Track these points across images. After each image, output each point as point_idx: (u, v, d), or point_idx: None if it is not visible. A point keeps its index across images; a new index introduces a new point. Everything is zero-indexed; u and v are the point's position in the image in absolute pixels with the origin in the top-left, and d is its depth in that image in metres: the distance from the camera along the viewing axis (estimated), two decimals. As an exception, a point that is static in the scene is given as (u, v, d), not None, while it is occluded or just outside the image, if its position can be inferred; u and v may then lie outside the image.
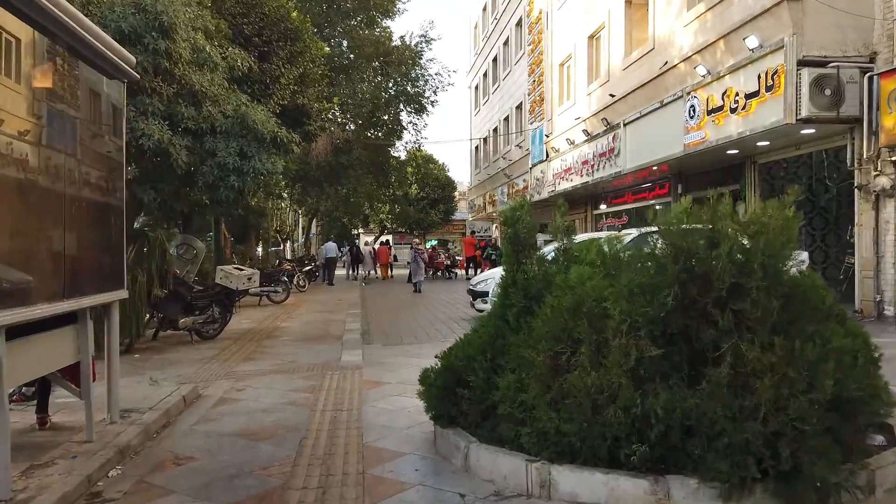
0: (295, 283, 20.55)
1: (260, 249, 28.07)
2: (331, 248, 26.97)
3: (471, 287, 11.76)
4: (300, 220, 40.78)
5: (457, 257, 32.64)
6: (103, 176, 4.51)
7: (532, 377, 3.50)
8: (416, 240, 32.52)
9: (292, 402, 5.72)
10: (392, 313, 13.62)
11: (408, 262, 29.22)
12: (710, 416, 3.02)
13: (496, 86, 30.99)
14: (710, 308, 3.20)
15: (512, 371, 3.71)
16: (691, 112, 12.15)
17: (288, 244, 40.77)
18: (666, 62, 13.45)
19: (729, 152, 12.22)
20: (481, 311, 11.70)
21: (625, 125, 15.15)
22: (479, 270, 26.88)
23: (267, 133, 8.54)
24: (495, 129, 31.36)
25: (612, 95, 16.04)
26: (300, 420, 5.05)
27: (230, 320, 10.68)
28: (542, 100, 22.32)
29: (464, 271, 28.60)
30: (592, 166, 17.21)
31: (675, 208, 3.68)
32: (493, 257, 25.09)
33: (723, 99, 11.17)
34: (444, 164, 51.89)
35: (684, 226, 3.44)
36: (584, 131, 17.69)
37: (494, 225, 38.16)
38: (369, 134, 28.53)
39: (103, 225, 4.55)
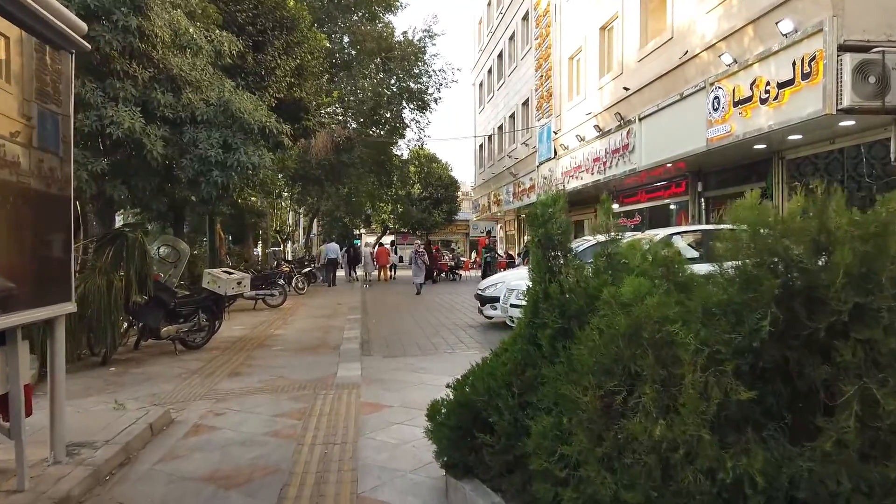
0: (293, 285, 19.77)
1: (259, 250, 27.32)
2: (332, 248, 26.16)
3: (479, 292, 10.93)
4: (301, 220, 40.03)
5: (461, 258, 31.81)
6: (42, 162, 3.70)
7: (576, 423, 2.68)
8: (418, 241, 31.76)
9: (276, 431, 4.90)
10: (394, 319, 12.81)
11: (408, 264, 28.43)
12: (831, 488, 2.20)
13: (501, 82, 30.17)
14: (823, 336, 2.37)
15: (548, 413, 2.88)
16: (715, 104, 11.31)
17: (288, 245, 40.04)
18: (686, 52, 12.62)
19: (756, 147, 11.37)
20: (490, 317, 10.91)
21: (640, 120, 14.31)
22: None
23: (254, 123, 7.67)
24: (500, 127, 30.54)
25: (626, 89, 15.21)
26: (283, 457, 4.23)
27: (219, 328, 9.89)
28: (550, 95, 21.49)
29: (466, 272, 27.77)
30: (605, 163, 16.38)
31: (743, 202, 2.85)
32: (488, 259, 24.20)
33: (751, 89, 10.33)
34: (447, 163, 51.14)
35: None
36: (596, 127, 16.87)
37: (499, 225, 37.36)
38: (371, 132, 27.76)
39: (42, 223, 3.74)
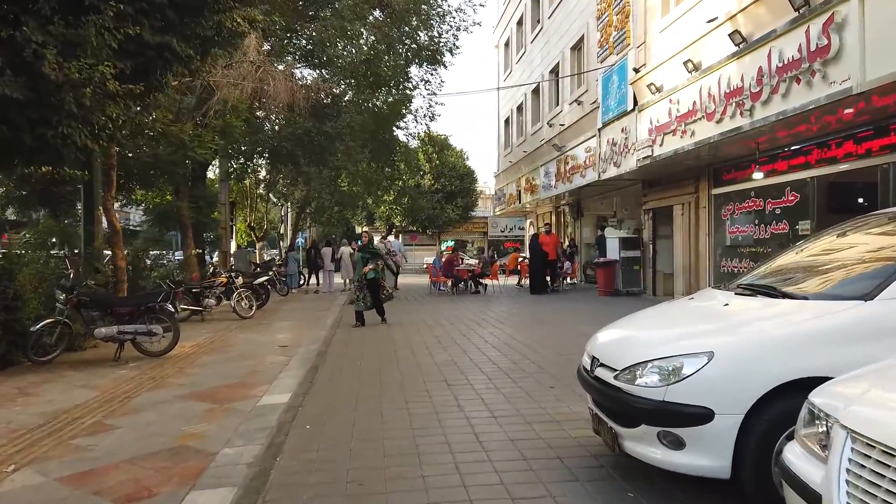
0: (234, 304, 12.69)
1: (207, 251, 20.30)
2: (395, 245, 21.05)
3: (616, 380, 3.52)
4: (289, 214, 32.89)
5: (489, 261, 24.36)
6: None
7: None
8: (390, 237, 24.78)
9: None
10: (368, 420, 5.62)
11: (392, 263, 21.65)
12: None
13: (538, 30, 22.91)
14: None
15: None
16: None
17: (279, 246, 33.05)
18: None
19: None
20: (639, 457, 3.62)
21: (862, -8, 7.05)
22: (555, 280, 18.84)
23: None
24: (535, 91, 23.31)
25: (819, -58, 7.94)
26: None
27: None
28: (627, 17, 14.25)
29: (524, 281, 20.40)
30: (755, 96, 9.12)
31: None
32: (372, 276, 12.92)
33: None
34: (462, 150, 44.04)
35: None
36: (735, 35, 9.62)
37: (528, 221, 30.11)
38: (370, 103, 20.57)
39: None
